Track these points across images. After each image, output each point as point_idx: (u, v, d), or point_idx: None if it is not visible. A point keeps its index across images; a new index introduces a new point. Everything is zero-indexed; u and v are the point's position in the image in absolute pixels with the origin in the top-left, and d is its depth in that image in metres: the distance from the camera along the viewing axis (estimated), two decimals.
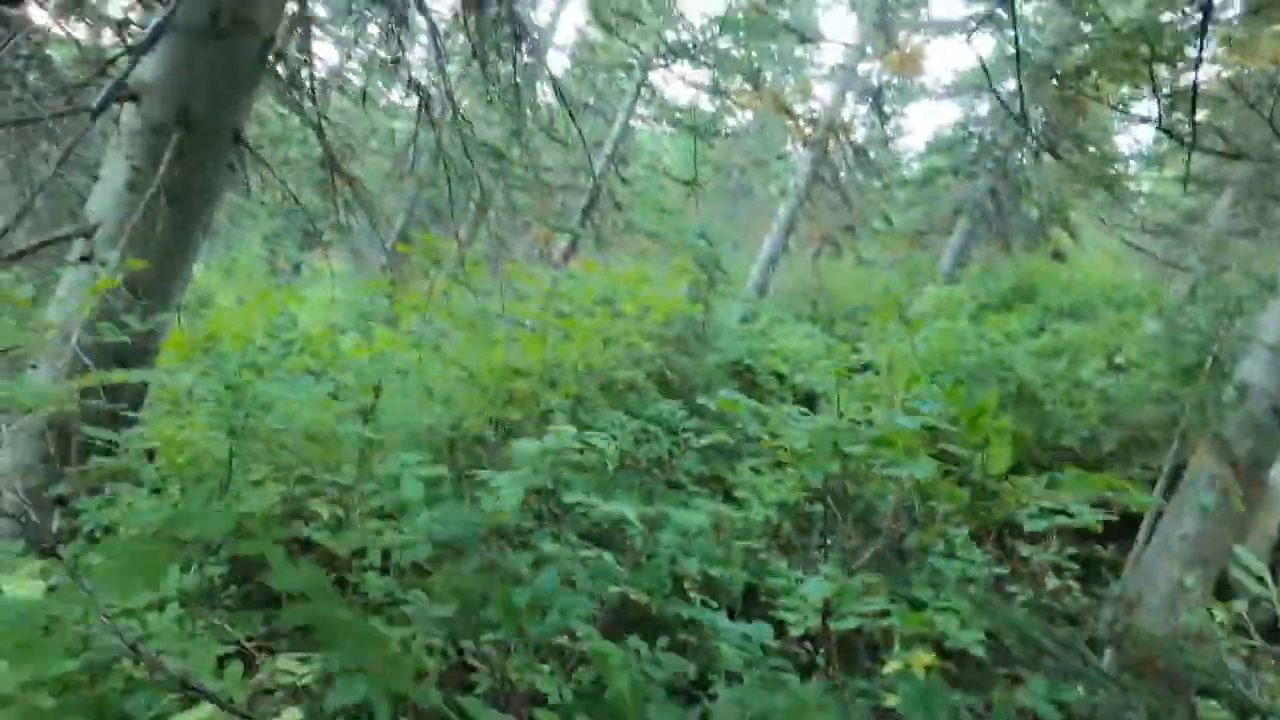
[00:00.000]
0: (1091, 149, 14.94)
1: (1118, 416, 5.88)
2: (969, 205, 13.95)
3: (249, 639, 2.69)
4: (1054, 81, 7.76)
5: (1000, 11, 13.23)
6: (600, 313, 4.97)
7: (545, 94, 11.36)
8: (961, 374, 6.35)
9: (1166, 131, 3.76)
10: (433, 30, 3.60)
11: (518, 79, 4.73)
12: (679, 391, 5.83)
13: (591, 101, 13.25)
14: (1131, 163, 15.81)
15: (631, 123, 11.85)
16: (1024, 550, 4.35)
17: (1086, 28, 10.75)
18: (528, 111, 7.86)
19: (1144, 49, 4.93)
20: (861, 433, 1.96)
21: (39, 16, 4.46)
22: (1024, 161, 14.12)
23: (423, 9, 3.56)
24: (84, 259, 2.93)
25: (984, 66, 3.18)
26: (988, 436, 1.74)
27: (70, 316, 2.68)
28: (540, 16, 15.43)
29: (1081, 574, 4.22)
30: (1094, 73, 5.05)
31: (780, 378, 8.33)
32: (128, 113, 3.00)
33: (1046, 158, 15.74)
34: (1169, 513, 5.05)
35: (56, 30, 4.55)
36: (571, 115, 4.12)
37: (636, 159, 16.33)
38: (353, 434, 2.16)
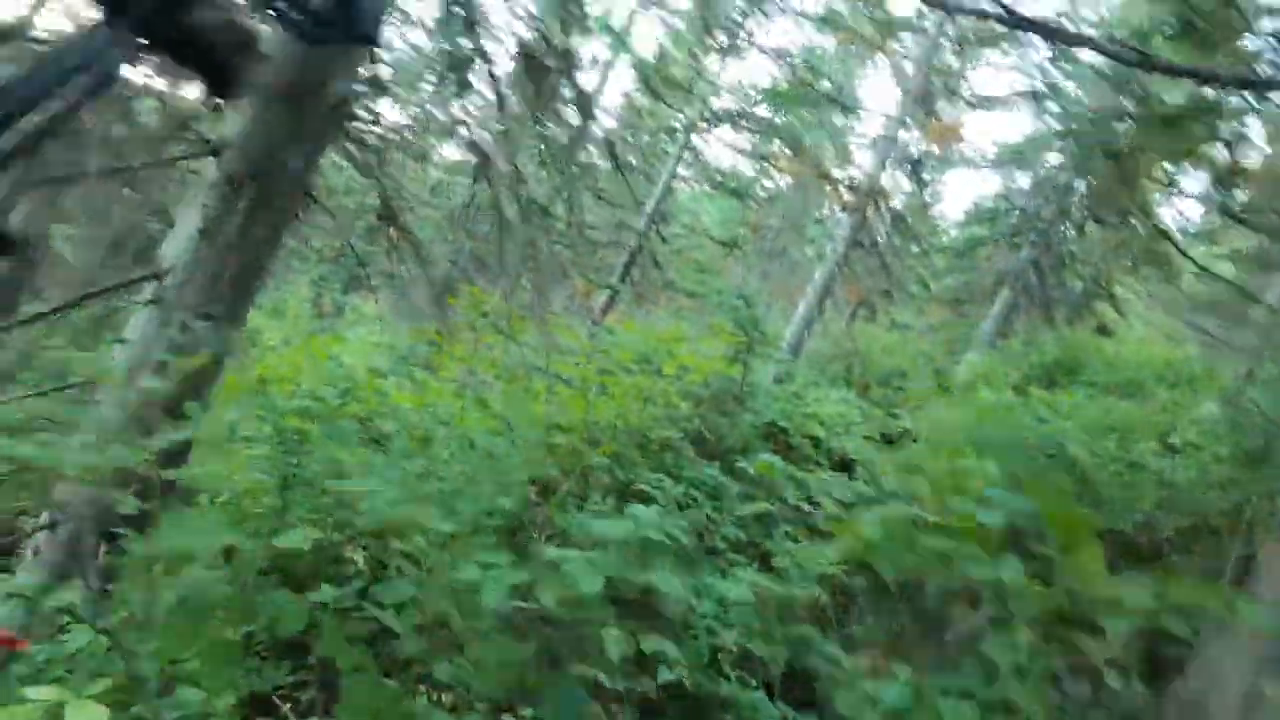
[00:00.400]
0: (1134, 222, 14.80)
1: (1176, 501, 5.61)
2: (1011, 276, 13.83)
3: (277, 688, 2.65)
4: (1106, 159, 7.77)
5: (1040, 87, 13.39)
6: (641, 371, 4.97)
7: (593, 154, 11.77)
8: (1008, 450, 6.16)
9: (1226, 212, 3.69)
10: (500, 100, 3.76)
11: (572, 141, 4.87)
12: (714, 452, 5.75)
13: (635, 161, 13.63)
14: (1179, 237, 15.57)
15: (673, 183, 12.13)
16: (1082, 640, 4.10)
17: (1129, 102, 10.79)
18: (576, 170, 8.10)
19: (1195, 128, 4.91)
20: (922, 515, 1.88)
21: (134, 74, 4.78)
22: (1067, 234, 14.02)
23: (493, 78, 3.73)
24: (153, 301, 3.05)
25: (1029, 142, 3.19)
26: (1075, 536, 1.65)
27: (138, 355, 2.76)
28: (587, 79, 16.10)
29: (1145, 670, 3.95)
30: (1145, 151, 5.03)
31: (816, 442, 8.19)
32: (207, 165, 3.17)
33: (1090, 230, 15.61)
34: None
35: (146, 85, 4.87)
36: (625, 178, 4.22)
37: (677, 218, 16.65)
38: (434, 531, 2.06)
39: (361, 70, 4.33)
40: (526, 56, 4.65)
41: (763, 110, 12.37)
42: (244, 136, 3.12)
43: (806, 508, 4.71)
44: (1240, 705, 4.47)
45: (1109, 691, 4.09)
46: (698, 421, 5.59)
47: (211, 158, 3.12)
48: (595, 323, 10.61)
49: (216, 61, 0.90)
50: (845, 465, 8.10)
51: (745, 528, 4.05)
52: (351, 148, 4.86)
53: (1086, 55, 12.59)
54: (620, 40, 12.55)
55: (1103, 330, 16.99)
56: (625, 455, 4.48)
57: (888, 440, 8.27)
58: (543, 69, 4.45)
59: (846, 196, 12.75)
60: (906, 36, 14.15)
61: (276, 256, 3.55)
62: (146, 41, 0.87)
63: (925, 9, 15.62)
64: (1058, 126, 13.18)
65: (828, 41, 16.81)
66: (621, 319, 14.92)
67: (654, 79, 11.06)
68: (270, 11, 0.88)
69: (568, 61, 5.49)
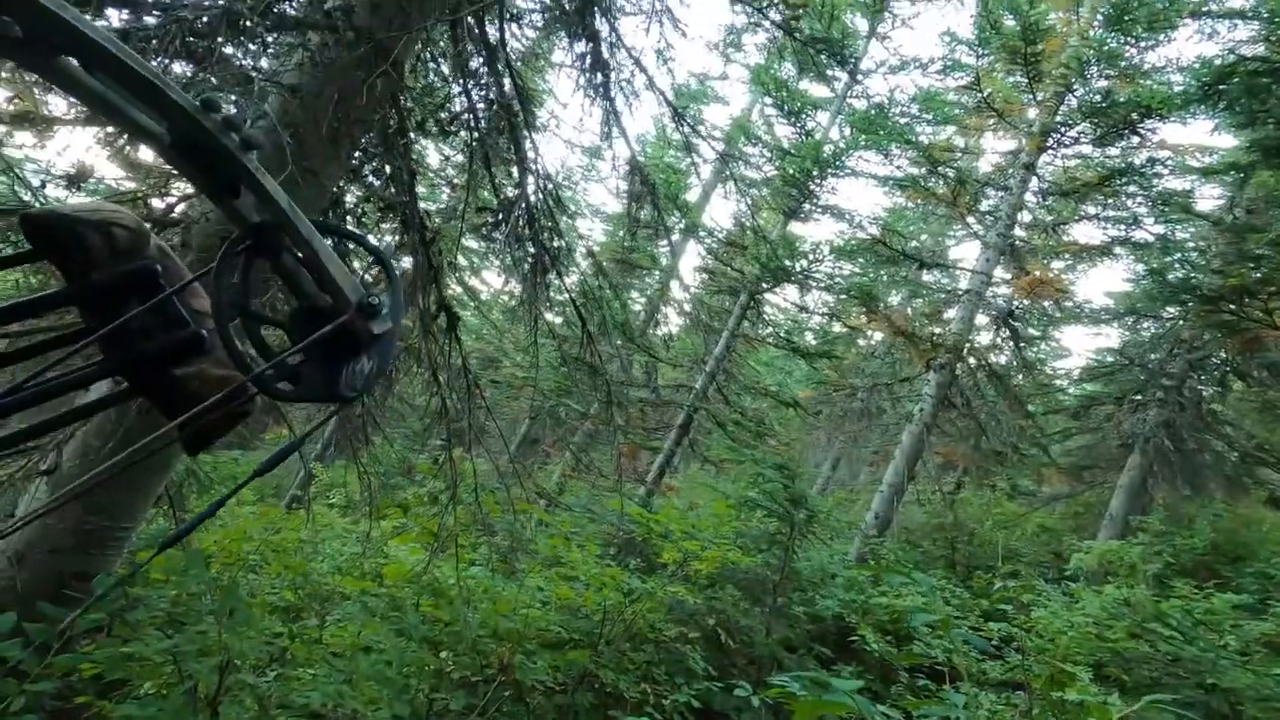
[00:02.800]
0: None
1: None
2: (1140, 439, 11.92)
3: None
4: (1206, 305, 6.59)
5: (1144, 235, 12.31)
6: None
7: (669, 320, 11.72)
8: (1134, 676, 4.62)
9: None
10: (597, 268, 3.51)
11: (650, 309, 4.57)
12: (735, 662, 4.66)
13: (705, 318, 13.50)
14: None
15: (735, 342, 11.74)
16: None
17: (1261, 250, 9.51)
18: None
19: None
20: None
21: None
22: (1205, 392, 12.14)
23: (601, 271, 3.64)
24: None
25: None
26: None
27: None
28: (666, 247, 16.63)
29: None
30: (1262, 294, 4.03)
31: (894, 641, 6.71)
32: None
33: (1238, 387, 13.49)
34: None
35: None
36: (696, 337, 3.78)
37: (761, 378, 16.12)
38: None
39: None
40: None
41: (828, 267, 12.02)
42: None
43: None
44: None
45: None
46: (712, 620, 4.60)
47: None
48: (650, 490, 9.87)
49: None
50: (932, 672, 6.54)
51: None
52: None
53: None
54: (694, 219, 12.97)
55: (1275, 504, 14.13)
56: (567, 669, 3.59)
57: (984, 654, 6.65)
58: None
59: (930, 354, 11.78)
60: (990, 190, 13.74)
61: None
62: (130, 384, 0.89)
63: (1007, 168, 15.33)
64: (1170, 276, 11.87)
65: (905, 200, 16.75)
66: (685, 482, 14.04)
67: (720, 249, 11.12)
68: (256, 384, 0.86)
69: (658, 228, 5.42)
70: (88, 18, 0.69)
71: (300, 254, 0.87)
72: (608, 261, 16.12)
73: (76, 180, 3.21)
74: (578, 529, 6.48)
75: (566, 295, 4.27)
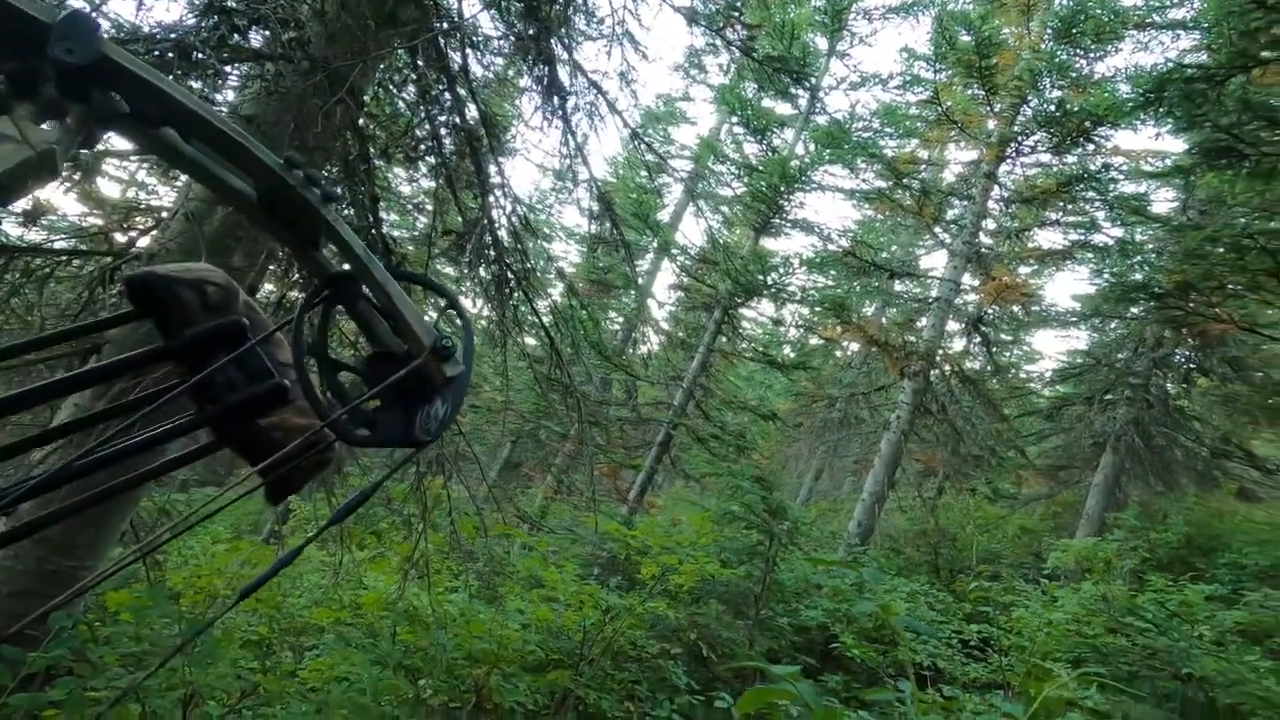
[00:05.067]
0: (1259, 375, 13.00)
1: None
2: (1110, 438, 12.16)
3: None
4: (1155, 303, 6.78)
5: (1104, 238, 12.66)
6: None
7: (649, 339, 11.84)
8: (1112, 669, 4.68)
9: None
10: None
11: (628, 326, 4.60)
12: (719, 675, 4.65)
13: (683, 335, 13.59)
14: None
15: (711, 357, 11.81)
16: None
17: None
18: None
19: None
20: None
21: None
22: (1170, 389, 12.42)
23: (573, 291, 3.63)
24: None
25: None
26: None
27: None
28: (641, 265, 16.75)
29: None
30: (1204, 289, 4.18)
31: (880, 648, 6.72)
32: None
33: (1202, 383, 13.82)
34: None
35: None
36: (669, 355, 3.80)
37: (741, 393, 16.20)
38: None
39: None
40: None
41: (801, 280, 12.19)
42: None
43: None
44: None
45: None
46: (694, 634, 4.59)
47: None
48: (632, 509, 9.85)
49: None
50: (919, 678, 6.56)
51: None
52: None
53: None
54: (666, 238, 13.13)
55: (1245, 496, 14.42)
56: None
57: (967, 647, 6.69)
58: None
59: (903, 363, 11.95)
60: (954, 200, 14.06)
61: None
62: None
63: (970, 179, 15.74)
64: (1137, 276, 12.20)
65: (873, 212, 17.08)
66: (668, 499, 14.01)
67: (693, 265, 11.24)
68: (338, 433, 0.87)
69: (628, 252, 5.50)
70: (185, 89, 0.70)
71: (376, 301, 0.89)
72: (583, 283, 16.21)
73: (33, 217, 3.20)
74: (558, 550, 6.44)
75: (536, 318, 4.30)
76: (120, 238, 4.11)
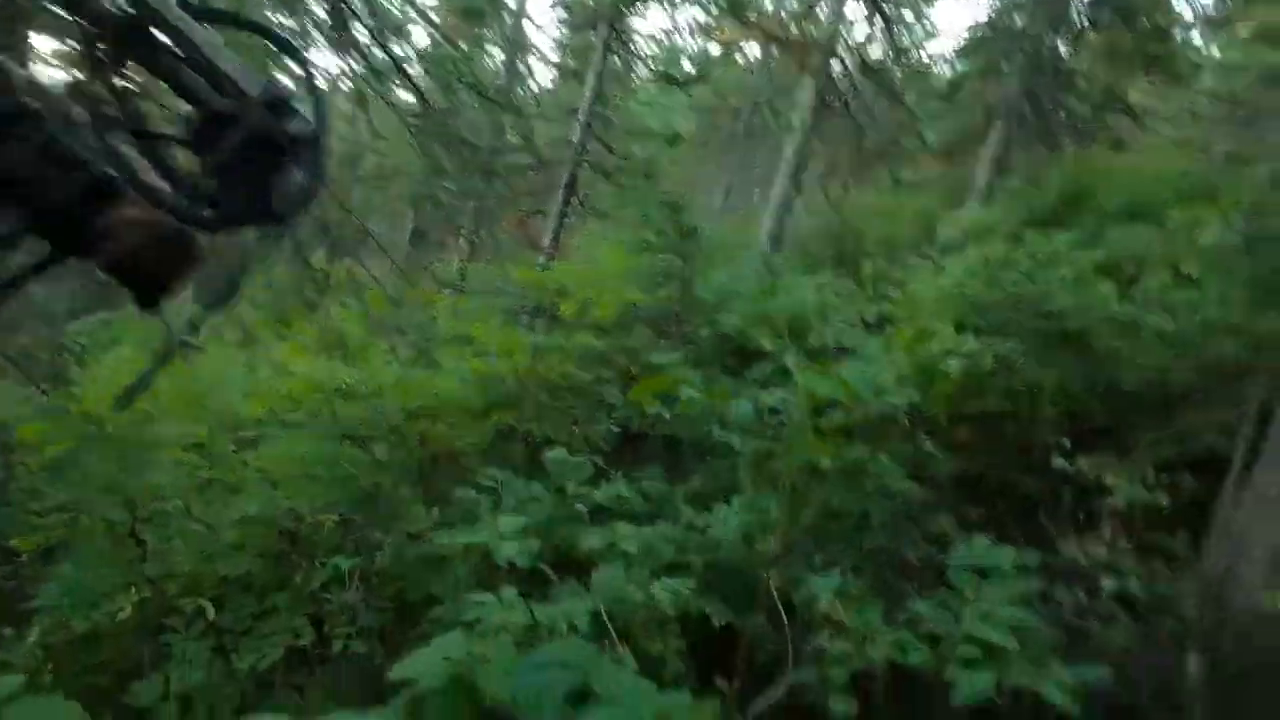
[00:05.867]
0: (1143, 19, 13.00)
1: (1188, 346, 4.80)
2: (1002, 109, 12.39)
3: None
4: None
5: None
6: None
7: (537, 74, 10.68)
8: (988, 320, 5.35)
9: None
10: None
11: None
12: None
13: (572, 63, 12.39)
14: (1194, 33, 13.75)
15: (610, 83, 10.92)
16: (1065, 545, 3.49)
17: None
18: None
19: None
20: None
21: None
22: (1060, 50, 12.42)
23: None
24: None
25: None
26: None
27: None
28: None
29: (1141, 573, 3.33)
30: None
31: (790, 344, 7.43)
32: None
33: (1092, 39, 13.82)
34: (1261, 464, 4.05)
35: None
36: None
37: (644, 118, 15.32)
38: None
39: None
40: None
41: None
42: None
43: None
44: (1269, 570, 3.85)
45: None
46: (624, 359, 4.93)
47: None
48: (548, 254, 9.82)
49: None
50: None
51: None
52: None
53: None
54: None
55: (1118, 146, 15.39)
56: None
57: (868, 325, 7.46)
58: None
59: (804, 57, 11.36)
60: None
61: None
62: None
63: None
64: None
65: None
66: (584, 241, 14.00)
67: None
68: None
69: None
70: None
71: (180, 51, 0.72)
72: (446, 16, 14.03)
73: None
74: (483, 307, 6.50)
75: (389, 57, 3.75)
76: None
